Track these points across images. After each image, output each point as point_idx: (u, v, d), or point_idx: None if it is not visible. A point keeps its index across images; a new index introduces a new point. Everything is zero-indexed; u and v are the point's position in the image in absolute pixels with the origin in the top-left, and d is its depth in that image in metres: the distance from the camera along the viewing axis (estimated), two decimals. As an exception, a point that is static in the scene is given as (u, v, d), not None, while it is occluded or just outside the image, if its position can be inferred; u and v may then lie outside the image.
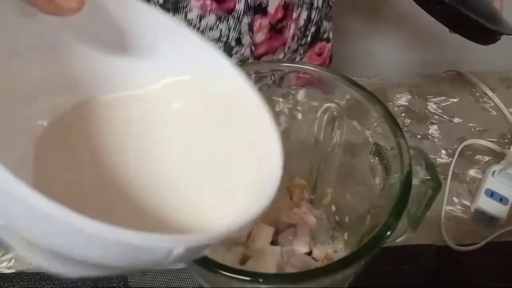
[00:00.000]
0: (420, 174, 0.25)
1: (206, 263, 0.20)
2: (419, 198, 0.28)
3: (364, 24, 1.19)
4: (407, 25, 0.89)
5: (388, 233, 0.23)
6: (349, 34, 1.13)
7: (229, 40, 0.61)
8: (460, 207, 0.58)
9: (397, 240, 0.31)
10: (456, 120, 0.66)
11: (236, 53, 0.62)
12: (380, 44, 0.97)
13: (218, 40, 0.60)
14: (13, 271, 0.56)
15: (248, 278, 0.19)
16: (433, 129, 0.65)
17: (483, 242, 0.54)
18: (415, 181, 0.25)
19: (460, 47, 0.82)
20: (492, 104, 0.68)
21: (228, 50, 0.62)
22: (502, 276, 0.52)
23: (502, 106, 0.67)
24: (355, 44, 0.99)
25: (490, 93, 0.68)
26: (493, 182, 0.57)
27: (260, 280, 0.19)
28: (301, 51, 0.69)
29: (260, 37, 0.62)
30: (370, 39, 0.97)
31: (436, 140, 0.64)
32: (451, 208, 0.58)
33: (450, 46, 0.83)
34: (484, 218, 0.56)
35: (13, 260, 0.57)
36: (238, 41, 0.61)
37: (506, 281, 0.52)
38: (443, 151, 0.63)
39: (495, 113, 0.67)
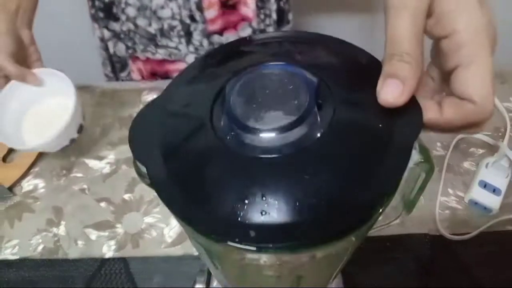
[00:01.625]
0: (414, 157, 0.26)
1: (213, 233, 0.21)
2: (413, 181, 0.29)
3: (358, 22, 1.20)
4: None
5: (380, 210, 0.24)
6: (348, 31, 1.14)
7: (182, 18, 0.64)
8: (455, 198, 0.59)
9: (393, 223, 0.33)
10: (452, 114, 0.68)
11: (195, 29, 0.66)
12: (375, 41, 0.98)
13: (172, 17, 0.64)
14: (17, 257, 0.57)
15: (252, 248, 0.20)
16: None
17: (476, 231, 0.55)
18: (409, 164, 0.26)
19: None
20: (487, 99, 0.69)
21: (185, 27, 0.65)
22: (495, 264, 0.54)
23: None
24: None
25: (485, 87, 0.69)
26: (486, 173, 0.59)
27: (262, 248, 0.20)
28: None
29: (212, 13, 0.65)
30: (363, 36, 0.98)
31: (432, 134, 0.65)
32: (446, 199, 0.59)
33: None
34: (477, 209, 0.58)
35: (17, 247, 0.58)
36: (192, 18, 0.64)
37: (498, 269, 0.53)
38: (438, 144, 0.64)
39: (490, 108, 0.68)
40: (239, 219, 0.21)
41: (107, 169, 0.64)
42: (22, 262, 0.57)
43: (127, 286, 0.54)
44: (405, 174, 0.29)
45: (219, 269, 0.29)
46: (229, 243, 0.20)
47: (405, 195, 0.31)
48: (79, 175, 0.64)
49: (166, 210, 0.62)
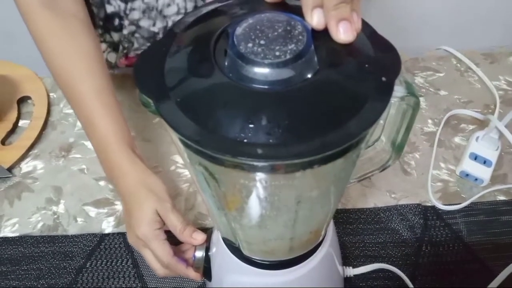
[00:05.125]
0: (400, 91, 0.27)
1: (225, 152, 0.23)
2: (400, 121, 0.30)
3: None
4: (395, 14, 0.92)
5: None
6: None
7: (187, 11, 0.63)
8: (446, 171, 0.61)
9: (385, 167, 0.34)
10: (442, 92, 0.69)
11: None
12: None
13: (177, 13, 0.63)
14: (17, 234, 0.58)
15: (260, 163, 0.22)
16: (420, 101, 0.68)
17: (467, 202, 0.57)
18: (394, 100, 0.27)
19: (446, 31, 0.85)
20: (476, 78, 0.71)
21: None
22: (485, 233, 0.55)
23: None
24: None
25: (474, 67, 0.71)
26: (477, 146, 0.60)
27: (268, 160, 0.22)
28: None
29: None
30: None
31: (423, 111, 0.67)
32: (438, 172, 0.61)
33: (437, 31, 0.86)
34: (469, 180, 0.59)
35: (17, 225, 0.59)
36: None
37: (489, 236, 0.55)
38: (430, 121, 0.66)
39: (479, 86, 0.70)
40: (246, 140, 0.22)
41: (105, 150, 0.65)
42: (22, 239, 0.57)
43: (126, 260, 0.55)
44: (392, 112, 0.31)
45: (220, 208, 0.31)
46: (240, 158, 0.22)
47: (393, 139, 0.32)
48: (78, 156, 0.65)
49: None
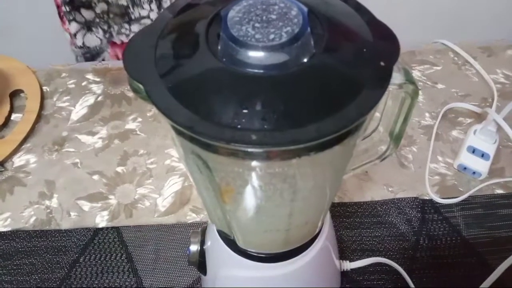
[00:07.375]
0: (398, 78, 0.26)
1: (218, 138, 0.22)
2: (398, 110, 0.30)
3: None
4: (392, 7, 0.91)
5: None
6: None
7: None
8: (444, 165, 0.60)
9: (383, 157, 0.33)
10: (440, 86, 0.69)
11: None
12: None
13: None
14: (9, 229, 0.57)
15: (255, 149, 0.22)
16: (418, 89, 0.68)
17: (465, 195, 0.56)
18: (392, 87, 0.27)
19: (443, 24, 0.85)
20: (474, 71, 0.70)
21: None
22: (483, 226, 0.54)
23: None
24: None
25: (472, 60, 0.71)
26: (474, 139, 0.60)
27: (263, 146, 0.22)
28: None
29: None
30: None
31: (421, 104, 0.67)
32: (435, 165, 0.60)
33: (434, 24, 0.85)
34: (466, 173, 0.59)
35: (9, 219, 0.58)
36: None
37: (486, 230, 0.54)
38: (427, 114, 0.65)
39: (477, 79, 0.69)
40: (240, 126, 0.22)
41: (99, 144, 0.65)
42: (14, 234, 0.56)
43: (120, 254, 0.54)
44: (390, 101, 0.30)
45: (215, 199, 0.30)
46: (233, 145, 0.21)
47: (390, 129, 0.31)
48: (71, 150, 0.64)
49: (159, 181, 0.62)
